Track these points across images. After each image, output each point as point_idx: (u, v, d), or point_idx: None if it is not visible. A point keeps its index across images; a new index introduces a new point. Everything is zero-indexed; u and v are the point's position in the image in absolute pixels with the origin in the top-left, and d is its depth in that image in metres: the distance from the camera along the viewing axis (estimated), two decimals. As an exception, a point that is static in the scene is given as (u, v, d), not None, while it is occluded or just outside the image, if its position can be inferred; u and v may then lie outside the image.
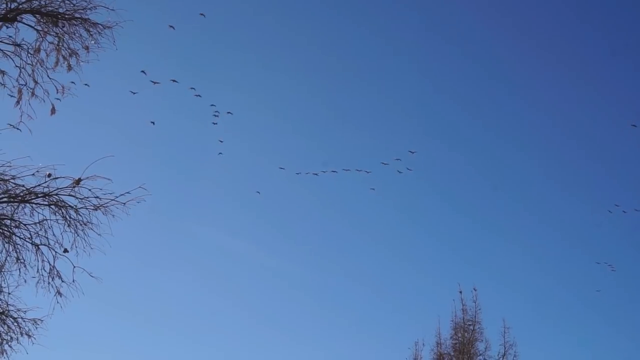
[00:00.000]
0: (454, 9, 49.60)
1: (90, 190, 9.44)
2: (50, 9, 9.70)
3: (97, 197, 9.49)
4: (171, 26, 14.89)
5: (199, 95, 17.01)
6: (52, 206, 9.54)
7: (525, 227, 47.10)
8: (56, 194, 9.48)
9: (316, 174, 19.90)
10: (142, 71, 13.88)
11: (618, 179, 50.95)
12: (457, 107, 49.35)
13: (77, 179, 9.37)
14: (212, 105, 17.82)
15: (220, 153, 21.07)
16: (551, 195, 49.27)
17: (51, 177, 9.36)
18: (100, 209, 9.56)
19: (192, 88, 16.55)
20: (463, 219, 47.54)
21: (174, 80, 15.46)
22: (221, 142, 20.81)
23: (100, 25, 9.89)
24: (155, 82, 13.79)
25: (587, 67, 51.64)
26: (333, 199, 46.76)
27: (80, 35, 9.89)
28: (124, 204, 9.52)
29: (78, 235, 9.66)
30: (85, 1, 9.77)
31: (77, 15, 9.81)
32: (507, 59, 51.02)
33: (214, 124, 17.96)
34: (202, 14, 13.26)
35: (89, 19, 9.85)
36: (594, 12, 51.44)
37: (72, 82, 9.87)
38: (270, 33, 46.32)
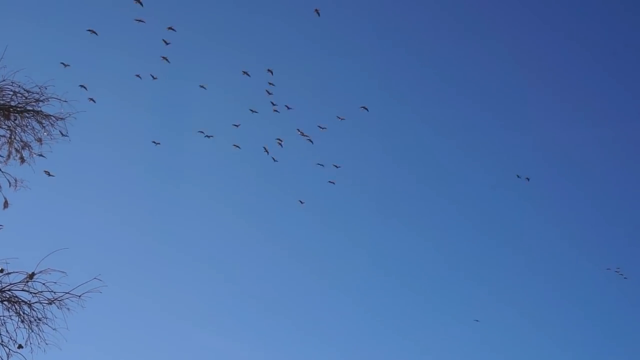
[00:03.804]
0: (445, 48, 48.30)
1: (44, 284, 9.27)
2: (1, 102, 9.70)
3: (51, 290, 9.32)
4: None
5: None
6: (5, 302, 9.33)
7: (512, 273, 46.31)
8: (9, 290, 9.28)
9: (266, 149, 19.95)
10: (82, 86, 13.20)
11: (618, 235, 49.46)
12: (446, 150, 47.92)
13: (30, 273, 9.21)
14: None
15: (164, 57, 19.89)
16: (540, 240, 48.34)
17: (3, 272, 9.19)
18: (54, 302, 9.37)
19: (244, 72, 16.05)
20: (447, 269, 46.52)
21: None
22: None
23: (52, 117, 9.93)
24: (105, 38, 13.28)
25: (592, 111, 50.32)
26: (307, 260, 45.55)
27: (33, 127, 9.90)
28: (79, 296, 9.35)
29: (32, 331, 9.42)
30: (38, 93, 9.81)
31: (29, 107, 9.83)
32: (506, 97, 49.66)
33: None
34: None
35: (41, 111, 9.87)
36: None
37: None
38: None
